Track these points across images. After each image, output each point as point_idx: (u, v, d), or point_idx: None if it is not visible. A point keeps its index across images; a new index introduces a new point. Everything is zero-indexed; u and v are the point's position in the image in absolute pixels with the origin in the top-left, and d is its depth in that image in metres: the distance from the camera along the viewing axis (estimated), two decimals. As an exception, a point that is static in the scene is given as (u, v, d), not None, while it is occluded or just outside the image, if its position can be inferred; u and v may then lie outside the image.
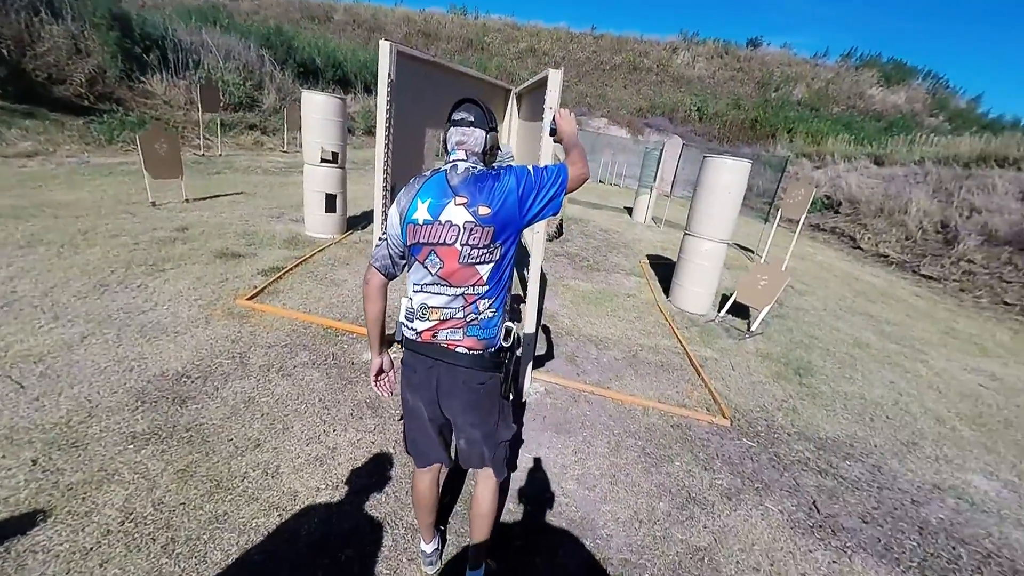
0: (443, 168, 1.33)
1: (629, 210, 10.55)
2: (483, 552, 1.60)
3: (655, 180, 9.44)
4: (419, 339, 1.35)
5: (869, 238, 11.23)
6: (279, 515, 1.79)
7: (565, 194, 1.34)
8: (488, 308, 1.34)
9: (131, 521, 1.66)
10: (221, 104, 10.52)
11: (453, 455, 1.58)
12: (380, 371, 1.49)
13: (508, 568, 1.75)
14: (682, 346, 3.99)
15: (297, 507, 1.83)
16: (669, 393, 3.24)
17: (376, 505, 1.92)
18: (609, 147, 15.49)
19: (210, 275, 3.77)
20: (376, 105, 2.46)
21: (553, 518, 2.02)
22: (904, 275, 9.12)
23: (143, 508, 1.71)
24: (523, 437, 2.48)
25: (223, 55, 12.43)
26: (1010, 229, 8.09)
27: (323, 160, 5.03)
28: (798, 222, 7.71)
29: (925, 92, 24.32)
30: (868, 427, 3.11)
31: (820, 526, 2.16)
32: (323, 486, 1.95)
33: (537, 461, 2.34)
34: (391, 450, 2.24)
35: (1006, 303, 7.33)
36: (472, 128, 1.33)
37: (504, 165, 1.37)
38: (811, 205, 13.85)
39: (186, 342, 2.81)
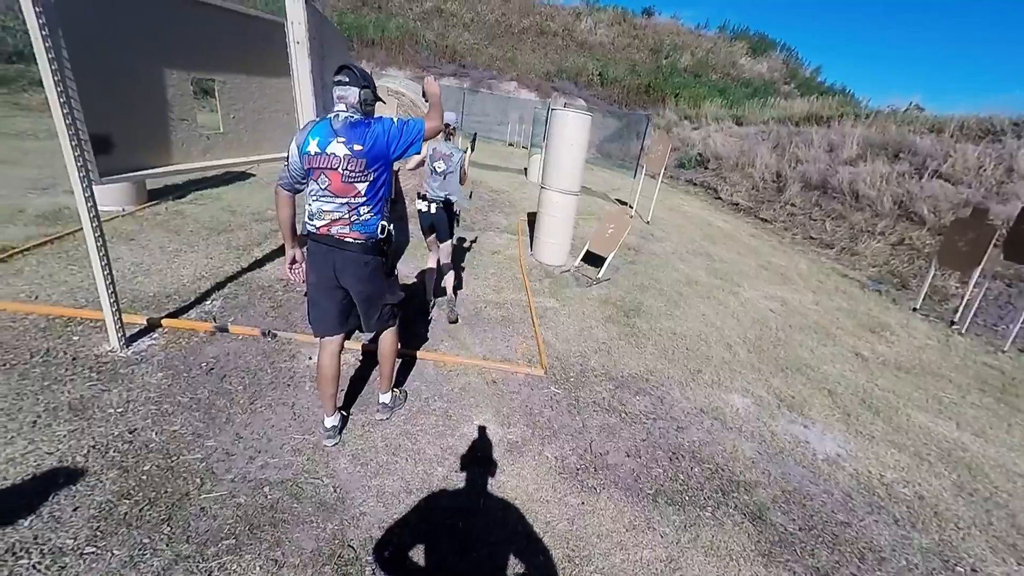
0: (329, 116, 1.63)
1: (527, 171, 9.99)
2: (389, 381, 2.05)
3: (545, 140, 8.89)
4: (318, 232, 1.67)
5: (727, 189, 11.75)
6: None
7: (424, 141, 1.70)
8: (367, 212, 1.68)
9: None
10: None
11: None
12: (293, 261, 1.82)
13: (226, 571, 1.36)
14: (527, 299, 3.73)
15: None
16: (498, 348, 2.96)
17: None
18: (516, 110, 14.44)
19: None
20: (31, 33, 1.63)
21: (298, 504, 1.65)
22: (748, 219, 9.68)
23: None
24: (302, 418, 2.05)
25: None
26: (819, 176, 8.74)
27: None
28: (659, 175, 7.68)
29: (782, 62, 25.33)
30: (667, 360, 3.08)
31: (587, 467, 2.02)
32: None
33: (312, 444, 1.93)
34: (81, 459, 1.66)
35: (812, 237, 8.04)
36: (348, 87, 1.62)
37: (377, 116, 1.68)
38: (687, 162, 14.35)
39: None
